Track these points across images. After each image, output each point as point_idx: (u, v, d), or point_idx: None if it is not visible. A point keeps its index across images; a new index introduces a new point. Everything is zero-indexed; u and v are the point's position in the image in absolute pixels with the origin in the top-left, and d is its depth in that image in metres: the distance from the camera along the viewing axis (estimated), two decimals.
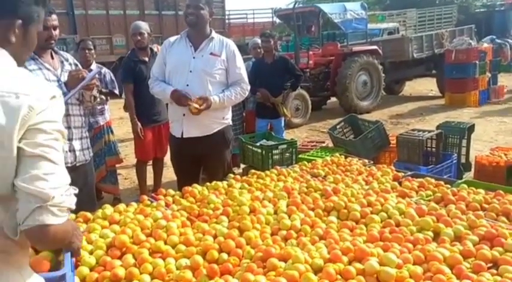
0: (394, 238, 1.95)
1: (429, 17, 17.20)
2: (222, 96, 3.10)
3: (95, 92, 2.87)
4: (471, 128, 4.91)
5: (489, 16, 22.69)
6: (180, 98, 3.00)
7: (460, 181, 2.92)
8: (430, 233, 2.05)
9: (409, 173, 3.17)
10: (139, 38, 4.35)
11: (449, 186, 2.78)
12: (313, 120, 9.24)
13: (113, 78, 4.60)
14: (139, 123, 4.40)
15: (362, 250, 1.76)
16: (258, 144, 4.57)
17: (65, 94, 2.63)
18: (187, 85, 3.04)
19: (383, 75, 10.19)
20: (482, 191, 2.63)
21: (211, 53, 3.11)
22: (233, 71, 3.18)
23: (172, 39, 3.22)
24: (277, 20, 17.48)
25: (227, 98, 3.14)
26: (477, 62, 10.01)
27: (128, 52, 6.38)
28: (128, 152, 6.75)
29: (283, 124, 5.56)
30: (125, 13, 14.06)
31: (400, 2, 26.02)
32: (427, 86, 13.27)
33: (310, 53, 9.56)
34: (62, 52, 2.95)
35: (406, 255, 1.79)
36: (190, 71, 3.06)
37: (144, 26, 4.42)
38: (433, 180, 2.88)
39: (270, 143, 4.64)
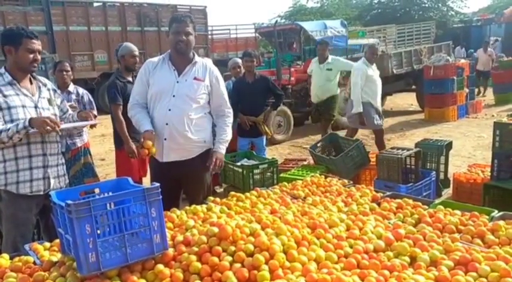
0: (371, 265, 1.95)
1: (408, 33, 17.54)
2: (222, 140, 3.22)
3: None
4: (449, 146, 5.00)
5: (466, 31, 23.35)
6: (144, 140, 2.93)
7: (436, 201, 2.97)
8: (407, 258, 2.06)
9: (388, 193, 3.21)
10: (137, 59, 4.35)
11: (426, 207, 2.83)
12: (296, 136, 9.29)
13: (91, 98, 4.55)
14: (132, 144, 4.20)
15: (339, 280, 1.76)
16: (239, 163, 4.58)
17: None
18: (170, 110, 3.02)
19: None
20: (458, 212, 2.67)
21: (195, 78, 3.09)
22: (216, 95, 3.19)
23: (154, 60, 3.16)
24: None
25: (225, 137, 3.24)
26: (455, 77, 10.23)
27: (109, 68, 6.30)
28: (109, 171, 6.67)
29: (264, 143, 5.58)
30: (106, 29, 14.02)
31: (380, 17, 26.61)
32: (407, 100, 13.50)
33: (292, 69, 9.64)
34: (40, 77, 2.91)
35: None
36: (174, 96, 3.04)
37: (135, 47, 4.42)
38: (411, 201, 2.93)
39: (251, 162, 4.65)
